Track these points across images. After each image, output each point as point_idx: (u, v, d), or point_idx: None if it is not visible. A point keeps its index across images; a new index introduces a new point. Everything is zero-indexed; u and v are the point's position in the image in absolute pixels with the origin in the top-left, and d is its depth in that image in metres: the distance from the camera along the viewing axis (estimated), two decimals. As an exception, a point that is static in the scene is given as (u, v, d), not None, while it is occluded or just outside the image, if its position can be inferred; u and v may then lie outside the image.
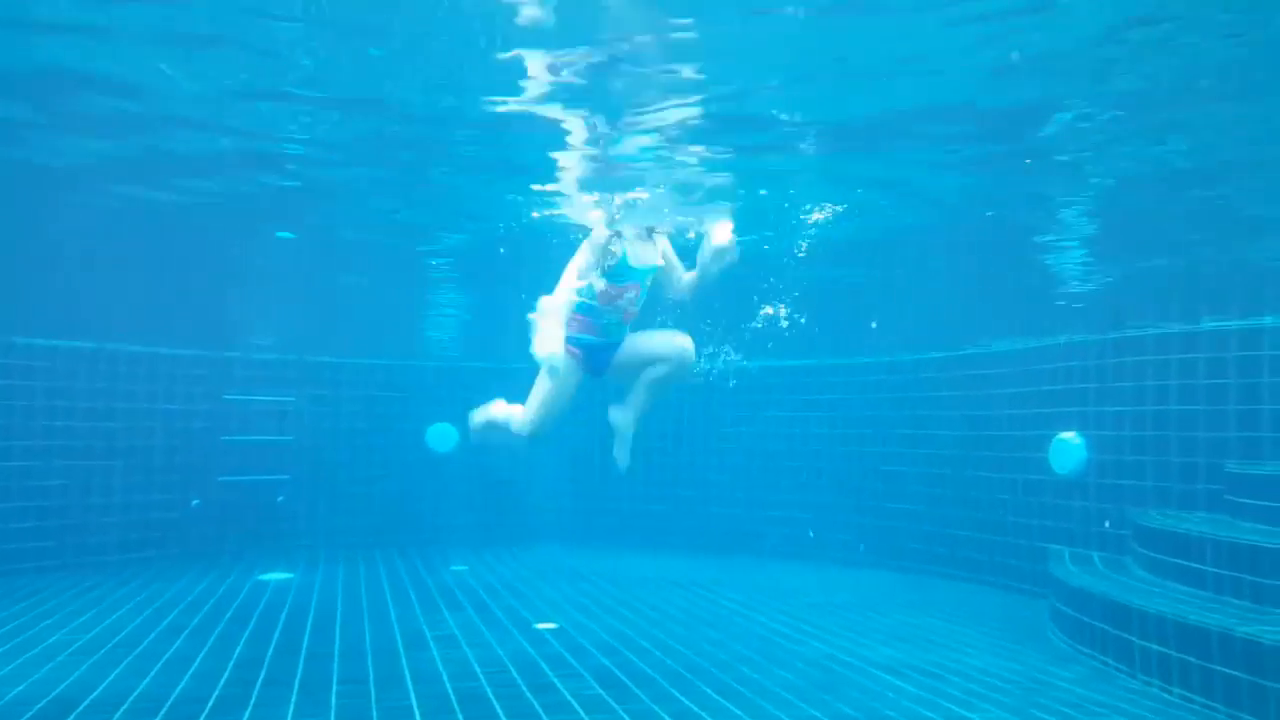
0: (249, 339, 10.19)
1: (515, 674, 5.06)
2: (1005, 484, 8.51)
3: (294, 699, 4.55)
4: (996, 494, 8.58)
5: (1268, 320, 6.74)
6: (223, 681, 4.83)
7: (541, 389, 4.56)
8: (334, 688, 4.76)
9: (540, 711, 4.36)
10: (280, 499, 10.05)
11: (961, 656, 5.62)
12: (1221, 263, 7.22)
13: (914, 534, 9.38)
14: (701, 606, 7.19)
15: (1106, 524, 6.81)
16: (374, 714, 4.33)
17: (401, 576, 8.57)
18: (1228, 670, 4.31)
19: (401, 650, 5.58)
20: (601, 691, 4.71)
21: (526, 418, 4.63)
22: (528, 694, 4.66)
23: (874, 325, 10.08)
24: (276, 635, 5.94)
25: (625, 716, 4.30)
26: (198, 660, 5.25)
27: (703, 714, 4.33)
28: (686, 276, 4.75)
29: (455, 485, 11.06)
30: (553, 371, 4.38)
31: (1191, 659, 4.55)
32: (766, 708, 4.44)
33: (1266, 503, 5.56)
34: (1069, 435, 7.91)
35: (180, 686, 4.72)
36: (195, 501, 9.43)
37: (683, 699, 4.59)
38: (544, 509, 11.12)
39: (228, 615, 6.55)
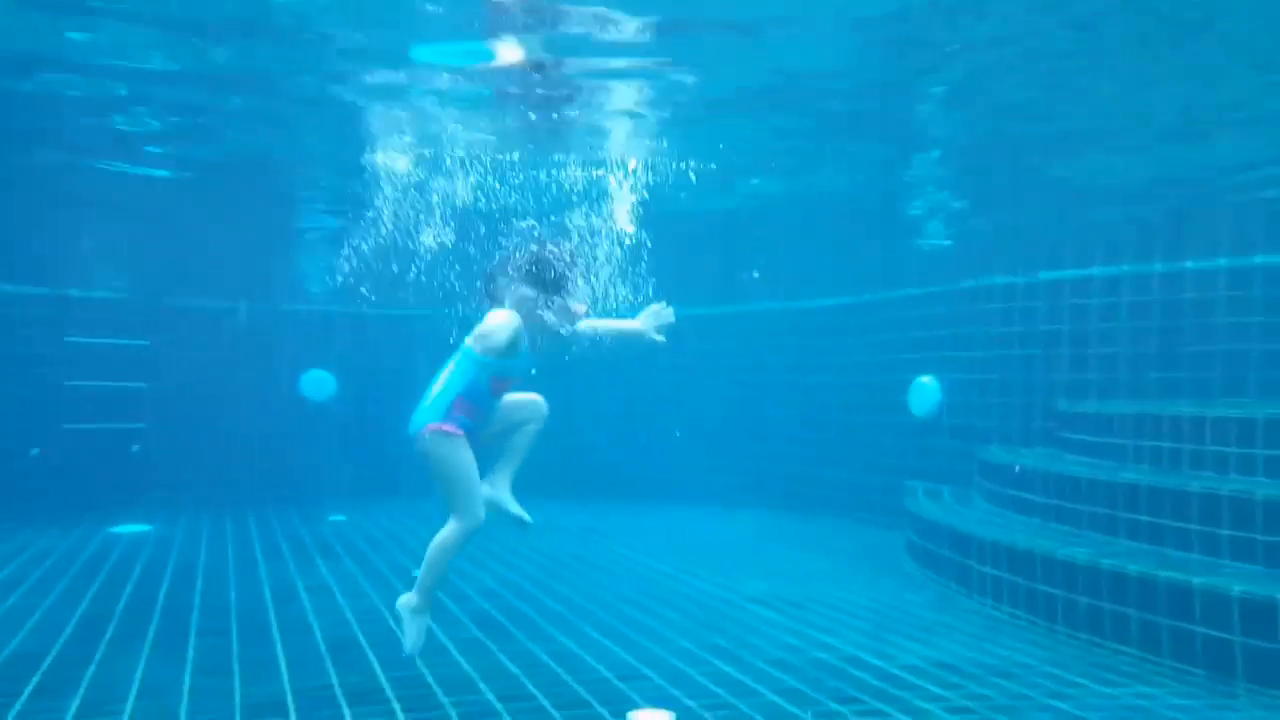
0: (94, 277, 9.41)
1: (392, 623, 4.96)
2: (872, 425, 9.00)
3: (145, 653, 4.34)
4: (864, 435, 9.06)
5: (1095, 270, 7.30)
6: (63, 639, 4.56)
7: (455, 485, 3.98)
8: (191, 640, 4.58)
9: (415, 656, 4.29)
10: (135, 449, 9.41)
11: (826, 587, 5.98)
12: (1055, 220, 7.74)
13: (792, 475, 9.81)
14: (591, 551, 7.35)
15: (1017, 469, 6.55)
16: (235, 666, 4.20)
17: (274, 529, 8.29)
18: (1049, 589, 4.75)
19: (270, 603, 5.43)
20: (480, 634, 4.75)
21: (464, 518, 3.99)
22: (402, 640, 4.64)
23: (756, 275, 10.36)
24: (129, 590, 5.64)
25: (501, 657, 4.34)
26: (35, 616, 4.93)
27: (581, 652, 4.44)
28: (600, 326, 4.19)
29: (335, 434, 10.52)
30: (454, 467, 3.90)
31: (1020, 580, 5.00)
32: (644, 644, 4.60)
33: (1088, 437, 6.09)
34: (926, 379, 8.41)
35: (12, 646, 4.43)
36: (35, 450, 8.75)
37: (562, 639, 4.69)
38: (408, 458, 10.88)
39: (73, 570, 6.18)
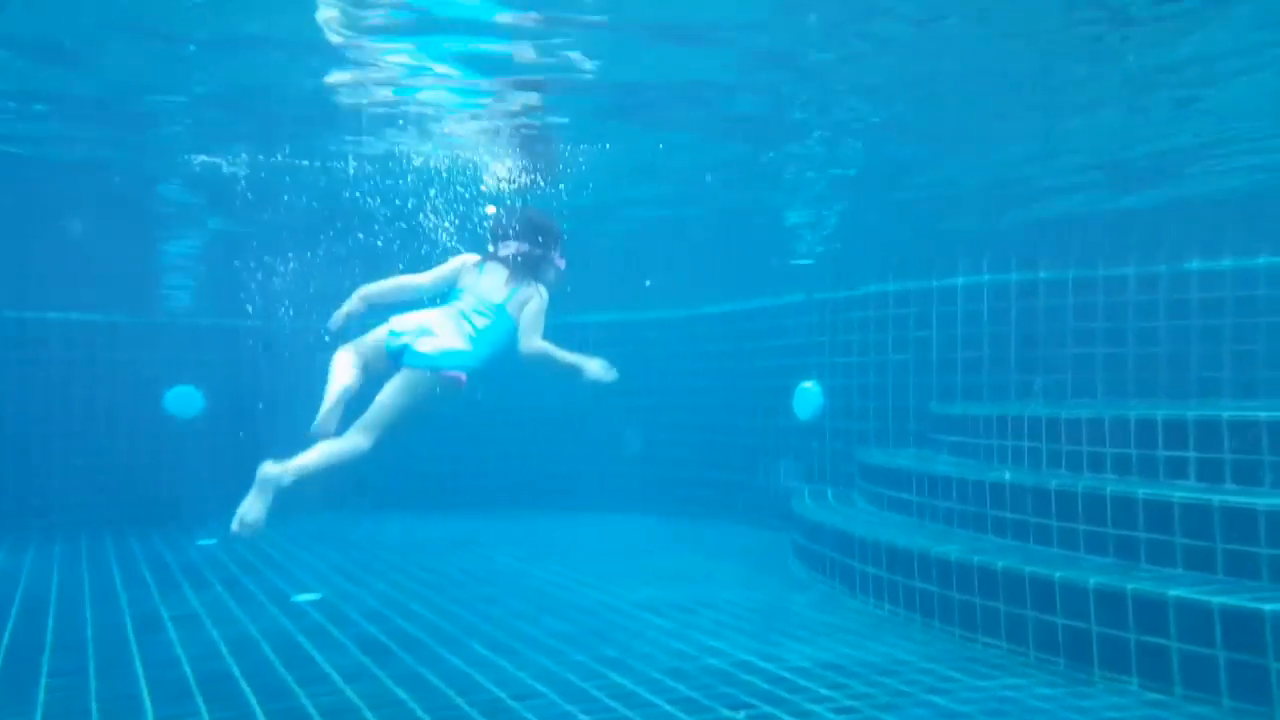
0: None
1: (268, 650, 4.72)
2: (759, 429, 9.17)
3: None
4: (752, 439, 9.22)
5: (959, 280, 7.67)
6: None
7: (403, 416, 4.10)
8: (42, 681, 4.19)
9: (294, 686, 4.11)
10: None
11: (714, 590, 6.02)
12: (925, 231, 8.10)
13: (682, 479, 9.88)
14: (480, 565, 7.15)
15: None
16: (92, 706, 3.85)
17: (135, 555, 7.72)
18: (925, 586, 4.93)
19: (131, 636, 5.01)
20: (365, 659, 4.53)
21: (372, 444, 4.13)
22: (280, 669, 4.37)
23: (648, 284, 10.39)
24: (-35, 630, 5.11)
25: (388, 682, 4.15)
26: None
27: (471, 672, 4.29)
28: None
29: (201, 454, 9.82)
30: (424, 406, 4.14)
31: (899, 579, 5.16)
32: (537, 659, 4.49)
33: (957, 438, 6.37)
34: (809, 384, 8.64)
35: None
36: None
37: (452, 659, 4.52)
38: (308, 476, 10.42)
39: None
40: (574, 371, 4.39)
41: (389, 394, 4.07)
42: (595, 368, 4.41)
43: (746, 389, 9.33)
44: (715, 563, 7.08)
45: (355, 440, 4.04)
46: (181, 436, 9.84)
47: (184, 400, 9.89)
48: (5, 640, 4.93)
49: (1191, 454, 4.41)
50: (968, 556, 4.66)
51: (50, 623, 5.35)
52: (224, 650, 4.73)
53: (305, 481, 3.96)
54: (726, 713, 3.65)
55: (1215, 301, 6.62)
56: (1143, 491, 4.27)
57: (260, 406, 10.20)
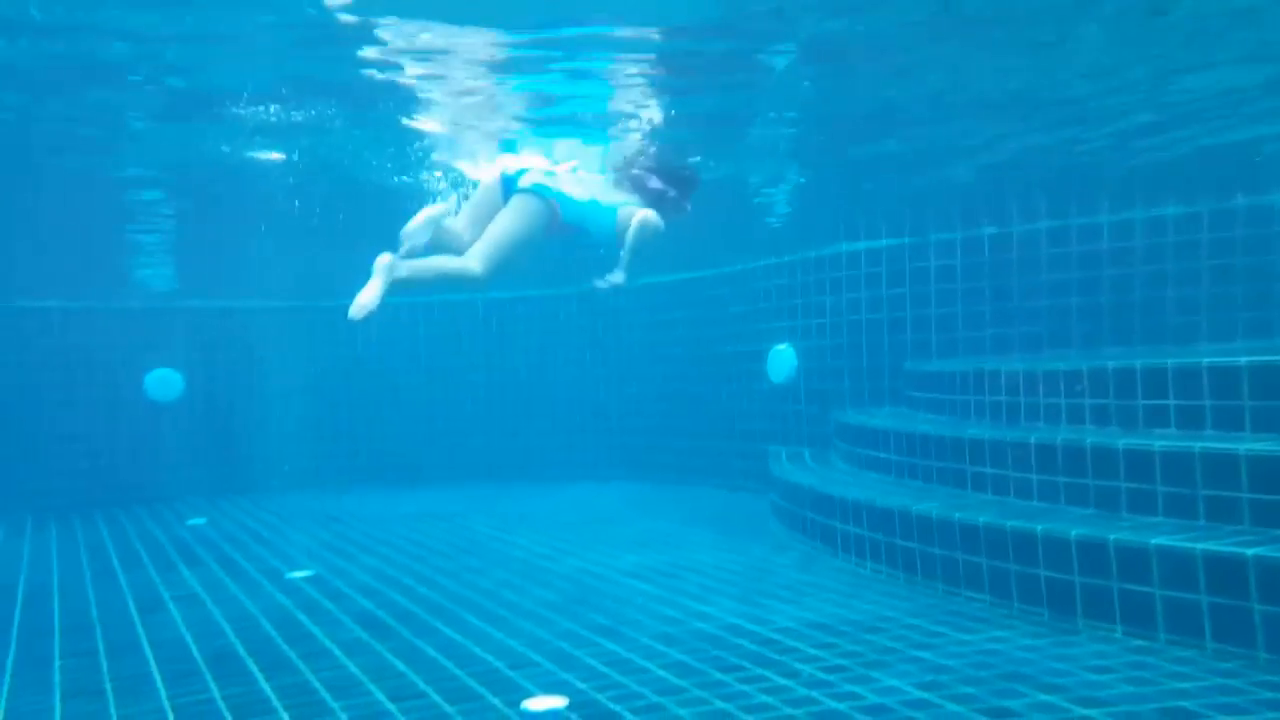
0: None
1: (269, 627, 4.70)
2: (732, 394, 9.13)
3: (6, 681, 3.96)
4: (726, 403, 9.18)
5: (931, 236, 7.63)
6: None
7: (511, 242, 4.42)
8: (56, 663, 4.21)
9: (298, 661, 4.09)
10: None
11: (697, 555, 5.99)
12: (894, 188, 8.01)
13: (657, 446, 9.84)
14: (462, 537, 7.08)
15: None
16: (107, 686, 3.86)
17: (129, 536, 7.68)
18: (905, 543, 4.93)
19: (136, 616, 5.01)
20: (363, 634, 4.50)
21: (484, 272, 4.36)
22: (283, 646, 4.36)
23: (601, 253, 10.24)
24: (-22, 613, 5.12)
25: (388, 655, 4.13)
26: None
27: (466, 642, 4.27)
28: None
29: (184, 435, 9.97)
30: (528, 232, 4.48)
31: (880, 537, 5.16)
32: (527, 627, 4.47)
33: (934, 395, 6.37)
34: (782, 346, 8.59)
35: None
36: None
37: (446, 630, 4.50)
38: (287, 453, 10.25)
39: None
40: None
41: (499, 220, 4.32)
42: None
43: (719, 354, 9.27)
44: (695, 527, 7.06)
45: (468, 263, 4.26)
46: (165, 417, 9.82)
47: (164, 384, 9.78)
48: (16, 622, 4.96)
49: (1171, 402, 4.42)
50: (949, 513, 4.66)
51: (56, 605, 5.37)
52: (226, 628, 4.72)
53: (413, 282, 4.17)
54: (718, 675, 3.62)
55: (1190, 244, 6.61)
56: (1123, 442, 4.28)
57: (243, 389, 10.11)
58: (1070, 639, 3.84)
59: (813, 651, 3.86)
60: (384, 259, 4.11)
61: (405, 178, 6.50)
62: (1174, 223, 6.68)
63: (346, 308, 4.09)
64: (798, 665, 3.70)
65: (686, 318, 9.65)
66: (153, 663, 4.17)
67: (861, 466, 6.40)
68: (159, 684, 3.88)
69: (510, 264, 4.34)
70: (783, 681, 3.52)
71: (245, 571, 6.08)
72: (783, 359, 8.56)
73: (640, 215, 4.74)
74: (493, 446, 10.58)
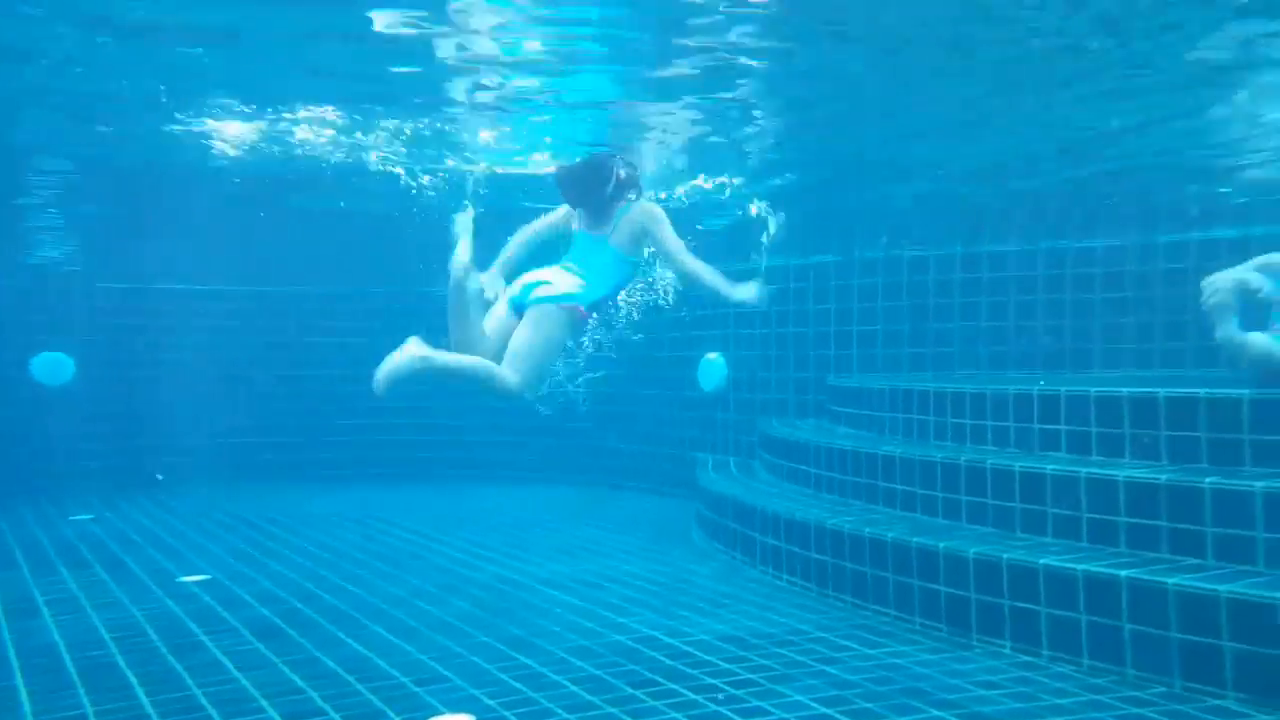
0: None
1: (154, 636, 4.51)
2: (666, 401, 9.24)
3: None
4: (659, 410, 9.29)
5: (855, 255, 7.87)
6: None
7: (542, 356, 4.37)
8: None
9: (184, 675, 3.93)
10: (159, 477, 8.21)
11: (619, 564, 6.08)
12: (824, 206, 8.22)
13: (586, 449, 9.89)
14: (379, 541, 7.00)
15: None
16: None
17: (2, 532, 7.29)
18: (819, 556, 5.09)
19: (3, 621, 4.74)
20: (259, 645, 4.37)
21: (522, 385, 4.29)
22: (169, 657, 4.19)
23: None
24: None
25: (285, 669, 4.01)
26: None
27: (372, 656, 4.19)
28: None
29: (78, 425, 9.39)
30: (556, 343, 4.44)
31: (796, 549, 5.32)
32: (439, 640, 4.43)
33: (853, 409, 6.57)
34: (713, 356, 8.74)
35: None
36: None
37: (351, 642, 4.41)
38: (196, 447, 9.82)
39: None
40: (724, 295, 4.55)
41: (520, 332, 4.31)
42: (748, 292, 4.56)
43: (653, 360, 9.37)
44: (621, 535, 7.15)
45: (504, 372, 4.23)
46: (53, 403, 9.25)
47: (53, 367, 9.28)
48: None
49: (1062, 427, 4.67)
50: (860, 528, 4.84)
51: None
52: (106, 636, 4.50)
53: (443, 375, 4.13)
54: (630, 691, 3.69)
55: (1086, 277, 6.99)
56: (1019, 464, 4.50)
57: (148, 377, 9.69)
58: (965, 654, 4.04)
59: (725, 665, 3.97)
60: (416, 345, 4.07)
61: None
62: (1072, 256, 7.04)
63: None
64: (709, 680, 3.80)
65: (627, 322, 9.72)
66: (19, 674, 3.94)
67: (784, 478, 6.56)
68: (23, 698, 3.66)
69: (546, 371, 4.41)
70: (693, 697, 3.62)
71: (133, 575, 5.83)
72: (713, 368, 8.71)
73: (656, 238, 4.45)
74: (422, 445, 10.45)
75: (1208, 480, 3.72)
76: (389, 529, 7.48)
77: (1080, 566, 3.75)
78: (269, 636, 4.49)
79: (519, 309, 4.42)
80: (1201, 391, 4.10)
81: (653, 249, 4.55)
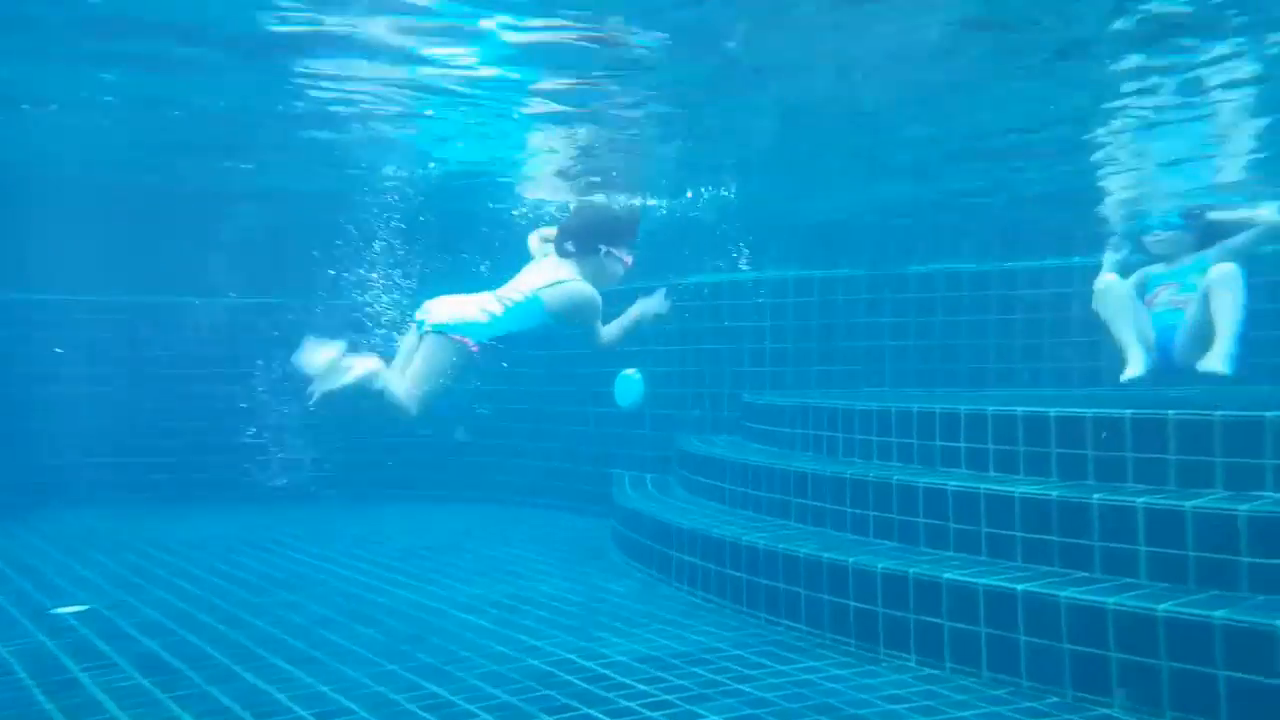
0: None
1: (23, 674, 4.14)
2: (585, 416, 9.16)
3: None
4: (578, 426, 9.20)
5: (767, 274, 8.00)
6: None
7: (434, 376, 4.75)
8: None
9: (56, 716, 3.63)
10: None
11: (536, 585, 5.96)
12: (743, 223, 8.36)
13: (505, 467, 9.71)
14: (279, 566, 6.66)
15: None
16: None
17: None
18: (734, 573, 5.11)
19: None
20: (143, 680, 4.06)
21: (415, 404, 4.78)
22: (40, 697, 3.85)
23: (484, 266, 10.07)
24: None
25: (172, 706, 3.73)
26: None
27: (270, 690, 3.95)
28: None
29: None
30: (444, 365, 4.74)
31: (711, 566, 5.32)
32: (345, 671, 4.22)
33: (765, 426, 6.65)
34: (630, 371, 8.70)
35: None
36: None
37: (247, 676, 4.15)
38: (68, 466, 9.07)
39: None
40: (641, 324, 5.16)
41: (416, 360, 4.68)
42: (653, 305, 5.21)
43: (575, 374, 9.29)
44: (538, 554, 7.03)
45: (401, 383, 4.60)
46: None
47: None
48: None
49: (962, 445, 4.81)
50: (773, 544, 4.87)
51: None
52: None
53: (350, 389, 4.44)
54: (546, 718, 3.60)
55: (981, 299, 7.28)
56: (922, 480, 4.62)
57: (19, 393, 9.00)
58: (873, 668, 4.10)
59: (641, 687, 3.92)
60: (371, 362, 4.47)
61: None
62: (968, 278, 7.34)
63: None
64: (624, 703, 3.74)
65: (546, 337, 9.59)
66: None
67: (700, 495, 6.58)
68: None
69: (433, 394, 4.69)
70: (608, 722, 3.55)
71: (0, 608, 5.38)
72: (631, 385, 8.65)
73: (584, 320, 4.95)
74: (329, 463, 9.92)
75: (1095, 497, 3.89)
76: (291, 553, 7.13)
77: (980, 581, 3.86)
78: (155, 671, 4.19)
79: (421, 332, 4.75)
80: (1088, 411, 4.29)
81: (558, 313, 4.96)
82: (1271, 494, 3.66)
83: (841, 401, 5.83)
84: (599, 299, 4.95)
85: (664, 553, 5.84)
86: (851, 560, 4.41)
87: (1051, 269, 7.19)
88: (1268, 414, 3.73)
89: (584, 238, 4.96)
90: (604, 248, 4.91)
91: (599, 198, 6.95)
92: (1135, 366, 4.99)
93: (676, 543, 5.71)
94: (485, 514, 9.00)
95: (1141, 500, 3.74)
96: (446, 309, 4.79)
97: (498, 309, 4.79)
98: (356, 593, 5.83)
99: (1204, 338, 5.65)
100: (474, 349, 4.69)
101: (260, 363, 9.48)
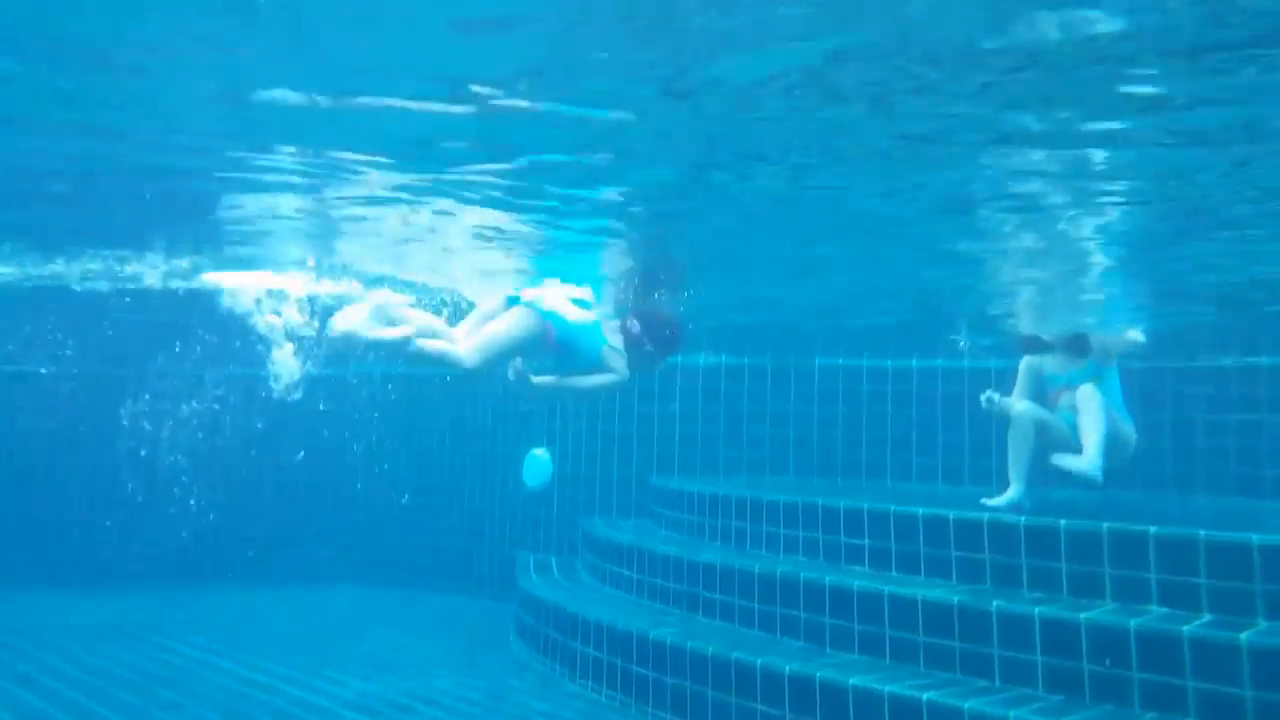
0: None
1: None
2: (488, 495, 8.84)
3: None
4: (477, 504, 8.87)
5: (678, 358, 8.00)
6: None
7: (501, 340, 4.32)
8: None
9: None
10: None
11: (433, 679, 5.60)
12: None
13: (398, 545, 9.23)
14: (153, 659, 6.06)
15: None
16: None
17: None
18: (641, 670, 4.93)
19: None
20: None
21: (473, 359, 4.23)
22: None
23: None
24: None
25: None
26: None
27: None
28: None
29: None
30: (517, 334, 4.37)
31: (617, 661, 5.12)
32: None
33: (673, 512, 6.56)
34: (539, 451, 8.49)
35: None
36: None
37: None
38: None
39: None
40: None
41: (494, 323, 4.34)
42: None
43: (473, 452, 9.00)
44: (433, 644, 6.63)
45: (459, 347, 4.24)
46: None
47: None
48: None
49: (866, 542, 4.85)
50: (681, 640, 4.73)
51: None
52: None
53: (397, 343, 3.99)
54: (438, 845, 3.30)
55: (879, 393, 7.50)
56: (829, 579, 4.60)
57: None
58: (780, 775, 3.98)
59: (541, 803, 3.67)
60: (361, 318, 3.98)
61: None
62: (867, 373, 7.57)
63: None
64: (524, 823, 3.48)
65: (450, 412, 9.29)
66: None
67: (606, 582, 6.38)
68: None
69: (498, 363, 4.43)
70: None
71: None
72: (539, 465, 8.45)
73: (610, 377, 4.75)
74: (210, 540, 9.09)
75: (994, 604, 3.95)
76: (170, 644, 6.50)
77: (885, 688, 3.83)
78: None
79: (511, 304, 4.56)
80: (985, 516, 4.40)
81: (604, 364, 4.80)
82: (1156, 608, 3.79)
83: (749, 492, 5.81)
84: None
85: (568, 645, 5.60)
86: (760, 661, 4.31)
87: (941, 368, 7.47)
88: (1150, 529, 3.90)
89: (654, 336, 4.93)
90: (650, 348, 4.90)
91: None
92: (1007, 496, 5.09)
93: (581, 635, 5.48)
94: (383, 598, 8.46)
95: (1039, 610, 3.81)
96: (550, 294, 4.63)
97: (589, 317, 4.69)
98: (240, 689, 5.34)
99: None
100: (550, 338, 4.45)
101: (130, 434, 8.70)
